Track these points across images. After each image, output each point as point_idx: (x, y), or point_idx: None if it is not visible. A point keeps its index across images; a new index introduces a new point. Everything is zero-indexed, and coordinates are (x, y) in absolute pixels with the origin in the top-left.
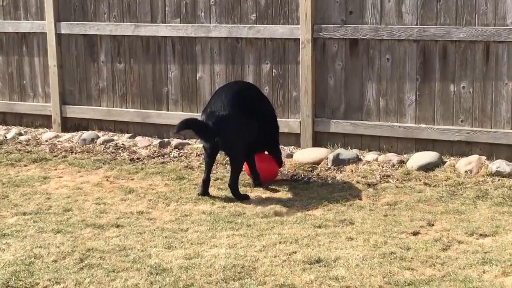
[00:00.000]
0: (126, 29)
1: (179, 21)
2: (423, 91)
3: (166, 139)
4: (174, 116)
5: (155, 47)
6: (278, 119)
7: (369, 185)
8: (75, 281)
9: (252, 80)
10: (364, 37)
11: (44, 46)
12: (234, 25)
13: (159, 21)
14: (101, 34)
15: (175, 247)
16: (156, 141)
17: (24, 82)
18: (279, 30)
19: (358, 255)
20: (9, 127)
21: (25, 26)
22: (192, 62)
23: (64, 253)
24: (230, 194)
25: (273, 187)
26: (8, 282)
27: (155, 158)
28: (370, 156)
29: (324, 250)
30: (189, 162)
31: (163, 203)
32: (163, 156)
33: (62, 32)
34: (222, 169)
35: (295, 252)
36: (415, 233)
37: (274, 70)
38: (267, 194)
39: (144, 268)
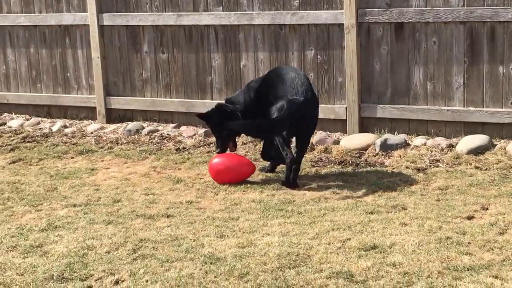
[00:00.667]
0: (168, 18)
1: (221, 9)
2: (471, 74)
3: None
4: None
5: (198, 36)
6: (324, 105)
7: (418, 170)
8: (129, 272)
9: (296, 67)
10: (409, 20)
11: (87, 38)
12: (277, 11)
13: (201, 9)
14: (144, 25)
15: (227, 236)
16: (201, 131)
17: (68, 74)
18: (323, 16)
19: (413, 241)
20: (54, 119)
21: (67, 18)
22: (235, 50)
23: (117, 244)
24: (278, 181)
25: (322, 173)
26: (63, 274)
27: (201, 147)
28: (418, 140)
29: (378, 236)
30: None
31: (212, 192)
32: (209, 145)
33: (105, 23)
34: None
35: (349, 239)
36: (470, 218)
37: (318, 56)
38: (316, 181)
39: (198, 258)
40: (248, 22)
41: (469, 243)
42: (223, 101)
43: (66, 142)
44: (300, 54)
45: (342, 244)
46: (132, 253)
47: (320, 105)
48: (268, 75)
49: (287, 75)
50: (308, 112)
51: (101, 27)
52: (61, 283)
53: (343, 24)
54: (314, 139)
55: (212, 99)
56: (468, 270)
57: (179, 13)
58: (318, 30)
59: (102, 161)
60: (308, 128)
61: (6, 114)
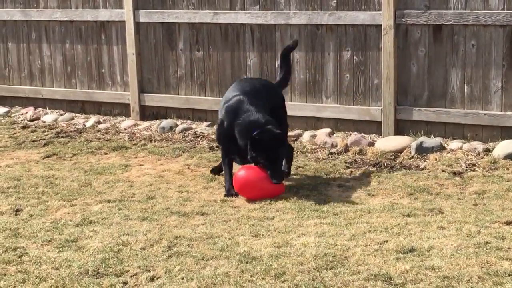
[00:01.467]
0: (204, 16)
1: (258, 8)
2: (510, 78)
3: None
4: None
5: (233, 34)
6: (359, 106)
7: (454, 173)
8: (164, 269)
9: (332, 68)
10: (448, 23)
11: (123, 35)
12: (314, 11)
13: (238, 8)
14: (180, 22)
15: (263, 235)
16: None
17: (103, 70)
18: (360, 17)
19: (452, 245)
20: (88, 115)
21: (103, 14)
22: (271, 49)
23: (152, 240)
24: (312, 182)
25: (356, 175)
26: (98, 269)
27: None
28: (454, 144)
29: (416, 239)
30: None
31: None
32: None
33: (141, 20)
34: (302, 157)
35: (387, 241)
36: (508, 223)
37: (355, 57)
38: (351, 182)
39: (234, 256)
40: (284, 21)
41: (508, 248)
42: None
43: (99, 138)
44: (336, 54)
45: (379, 246)
46: (167, 250)
47: (355, 107)
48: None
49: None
50: None
51: (137, 24)
52: (96, 278)
53: (381, 25)
54: (348, 140)
55: None
56: (509, 275)
57: (216, 11)
58: (355, 30)
59: (136, 157)
60: None
61: (40, 109)
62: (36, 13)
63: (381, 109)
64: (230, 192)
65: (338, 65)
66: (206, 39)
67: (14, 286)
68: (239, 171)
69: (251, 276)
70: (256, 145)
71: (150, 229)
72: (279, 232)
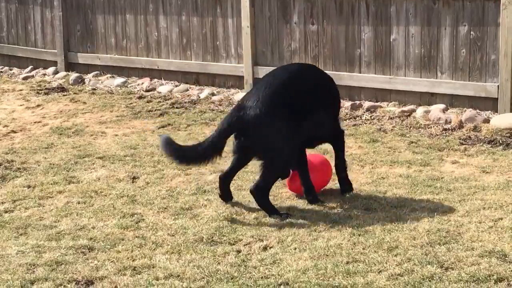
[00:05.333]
0: None
1: None
2: None
3: (357, 101)
4: (366, 78)
5: (348, 8)
6: (474, 82)
7: None
8: (277, 239)
9: (448, 43)
10: None
11: (238, 7)
12: None
13: None
14: None
15: (375, 209)
16: (348, 103)
17: (217, 43)
18: None
19: None
20: (202, 87)
21: None
22: (386, 23)
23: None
24: (425, 157)
25: (470, 152)
26: (212, 237)
27: (347, 120)
28: None
29: None
30: (382, 125)
31: (358, 165)
32: (355, 118)
33: None
34: (415, 133)
35: (501, 219)
36: None
37: (471, 33)
38: (465, 159)
39: (346, 229)
40: None
41: None
42: (371, 75)
43: (213, 110)
44: (452, 30)
45: (494, 224)
46: (279, 221)
47: (471, 83)
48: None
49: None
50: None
51: None
52: (211, 246)
53: (500, 0)
54: (463, 116)
55: (360, 72)
56: None
57: None
58: (472, 5)
59: None
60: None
61: (156, 80)
62: None
63: (498, 86)
64: None
65: (454, 41)
66: (321, 12)
67: (132, 251)
68: None
69: (363, 249)
70: None
71: None
72: (391, 206)
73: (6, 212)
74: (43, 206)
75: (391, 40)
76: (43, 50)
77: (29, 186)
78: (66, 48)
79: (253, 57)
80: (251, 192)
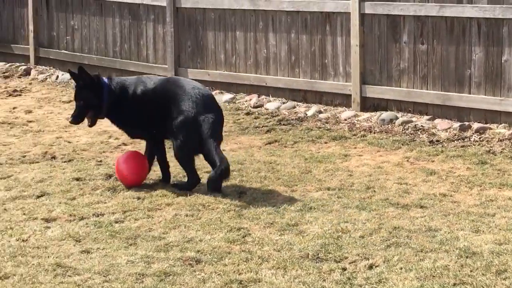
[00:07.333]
0: (430, 9)
1: (486, 2)
2: None
3: (466, 123)
4: (476, 99)
5: (459, 28)
6: None
7: None
8: (383, 258)
9: None
10: None
11: (347, 26)
12: None
13: (465, 1)
14: (405, 15)
15: (483, 231)
16: (456, 124)
17: (326, 61)
18: None
19: None
20: (309, 104)
21: (329, 5)
22: (497, 44)
23: (370, 229)
24: None
25: None
26: (318, 254)
27: (455, 141)
28: None
29: None
30: (491, 147)
31: (466, 186)
32: (463, 139)
33: (366, 12)
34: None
35: None
36: None
37: None
38: None
39: (453, 251)
40: None
41: None
42: (481, 96)
43: (320, 127)
44: None
45: None
46: (386, 240)
47: None
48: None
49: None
50: None
51: (362, 16)
52: (316, 263)
53: None
54: None
55: (470, 93)
56: None
57: (442, 4)
58: None
59: (355, 148)
60: None
61: (264, 96)
62: (264, 3)
63: None
64: None
65: None
66: (431, 32)
67: (238, 264)
68: None
69: (470, 271)
70: None
71: (369, 218)
72: (500, 229)
73: (116, 222)
74: (152, 217)
75: (502, 61)
76: (154, 65)
77: (138, 198)
78: (177, 63)
79: (361, 75)
80: None
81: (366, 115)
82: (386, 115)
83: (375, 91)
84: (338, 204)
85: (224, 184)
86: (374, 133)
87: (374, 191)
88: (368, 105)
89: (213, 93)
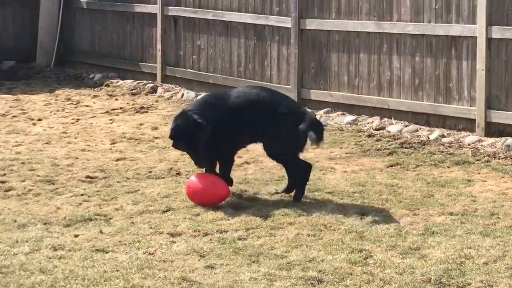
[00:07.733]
0: None
1: None
2: None
3: None
4: None
5: None
6: None
7: None
8: (508, 286)
9: None
10: None
11: (473, 50)
12: None
13: None
14: None
15: None
16: None
17: (450, 85)
18: None
19: None
20: (432, 128)
21: (455, 29)
22: None
23: (495, 256)
24: None
25: None
26: (440, 279)
27: None
28: None
29: None
30: None
31: None
32: None
33: (493, 36)
34: None
35: None
36: None
37: None
38: None
39: None
40: None
41: None
42: None
43: (442, 151)
44: None
45: None
46: (510, 268)
47: None
48: None
49: None
50: None
51: (489, 40)
52: None
53: None
54: None
55: None
56: None
57: None
58: None
59: (479, 173)
60: None
61: (386, 119)
62: (389, 26)
63: None
64: None
65: None
66: None
67: (360, 286)
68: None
69: None
70: None
71: (493, 245)
72: None
73: (239, 239)
74: (275, 236)
75: None
76: (277, 85)
77: (261, 216)
78: (300, 84)
79: (487, 100)
80: None
81: (490, 140)
82: (511, 141)
83: (500, 116)
84: (461, 230)
85: (345, 205)
86: (499, 159)
87: (499, 217)
88: (493, 130)
89: (335, 114)
